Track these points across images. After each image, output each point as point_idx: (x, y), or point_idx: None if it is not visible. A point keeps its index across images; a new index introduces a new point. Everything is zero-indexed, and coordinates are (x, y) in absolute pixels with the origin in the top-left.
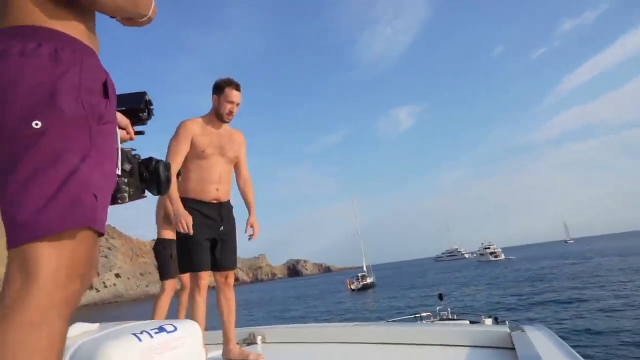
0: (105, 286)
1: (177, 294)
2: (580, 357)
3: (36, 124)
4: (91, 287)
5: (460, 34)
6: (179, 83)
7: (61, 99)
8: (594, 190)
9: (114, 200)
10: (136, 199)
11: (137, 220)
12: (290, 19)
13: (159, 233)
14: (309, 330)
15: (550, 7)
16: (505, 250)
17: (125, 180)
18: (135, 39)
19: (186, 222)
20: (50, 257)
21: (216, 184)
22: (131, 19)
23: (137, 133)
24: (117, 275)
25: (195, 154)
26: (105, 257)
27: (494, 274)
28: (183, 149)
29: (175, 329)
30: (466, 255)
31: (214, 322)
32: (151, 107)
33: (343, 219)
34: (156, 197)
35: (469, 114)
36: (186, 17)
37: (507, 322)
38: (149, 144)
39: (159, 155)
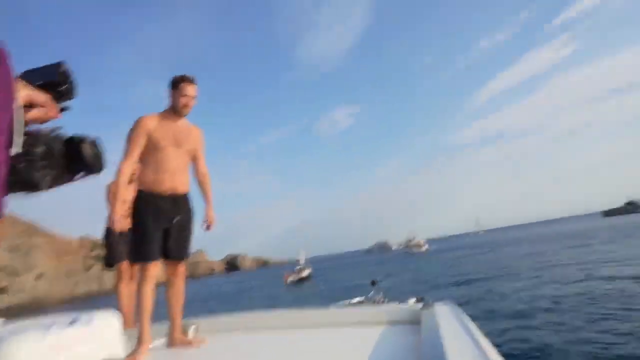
0: (23, 290)
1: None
2: (478, 330)
3: None
4: (2, 291)
5: (395, 42)
6: (117, 76)
7: None
8: (503, 187)
9: (34, 188)
10: (65, 182)
11: (63, 216)
12: (234, 19)
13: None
14: (240, 319)
15: (470, 26)
16: (427, 241)
17: (44, 163)
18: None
19: (116, 221)
20: None
21: (170, 173)
22: None
23: (62, 110)
24: (39, 277)
25: (151, 146)
26: (24, 256)
27: (419, 264)
28: (138, 144)
29: (91, 320)
30: (393, 247)
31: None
32: (71, 79)
33: (282, 215)
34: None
35: (401, 116)
36: (126, 6)
37: (429, 301)
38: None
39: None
